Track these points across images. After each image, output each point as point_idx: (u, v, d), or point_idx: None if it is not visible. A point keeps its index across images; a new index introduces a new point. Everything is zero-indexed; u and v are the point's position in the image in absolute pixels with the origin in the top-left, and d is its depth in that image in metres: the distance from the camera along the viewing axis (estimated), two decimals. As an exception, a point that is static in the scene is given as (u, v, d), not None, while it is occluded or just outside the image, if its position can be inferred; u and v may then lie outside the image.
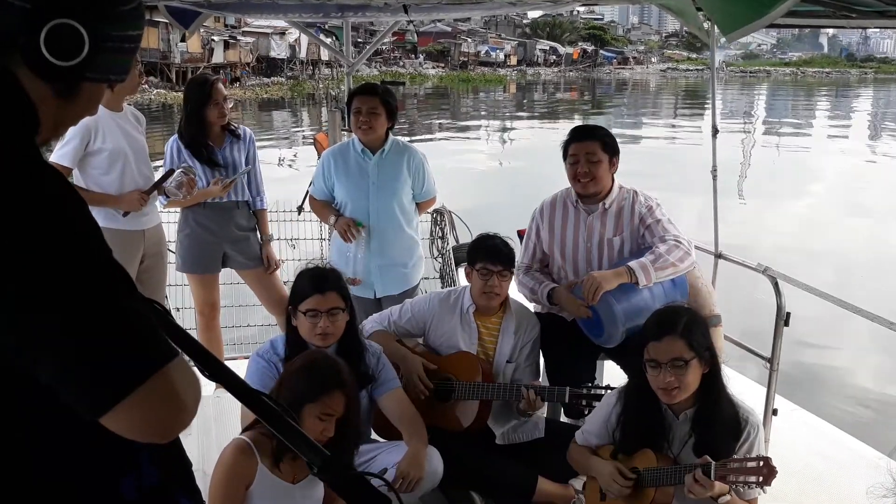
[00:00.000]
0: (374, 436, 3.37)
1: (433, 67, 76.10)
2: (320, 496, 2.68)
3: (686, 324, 2.59)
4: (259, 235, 4.39)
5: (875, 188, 19.92)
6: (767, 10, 2.62)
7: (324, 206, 4.16)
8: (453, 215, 5.41)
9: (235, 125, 4.29)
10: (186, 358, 1.21)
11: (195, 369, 1.24)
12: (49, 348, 1.04)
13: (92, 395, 1.06)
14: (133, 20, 1.19)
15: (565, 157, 3.60)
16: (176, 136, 4.15)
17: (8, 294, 1.01)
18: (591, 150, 3.49)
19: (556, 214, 3.65)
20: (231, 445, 2.56)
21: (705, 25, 3.46)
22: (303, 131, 29.91)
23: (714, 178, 4.18)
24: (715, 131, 4.16)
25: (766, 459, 2.44)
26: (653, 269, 3.27)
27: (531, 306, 3.80)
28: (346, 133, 4.48)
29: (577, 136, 3.57)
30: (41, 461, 1.14)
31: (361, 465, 3.09)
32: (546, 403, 3.39)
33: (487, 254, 3.38)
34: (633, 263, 3.29)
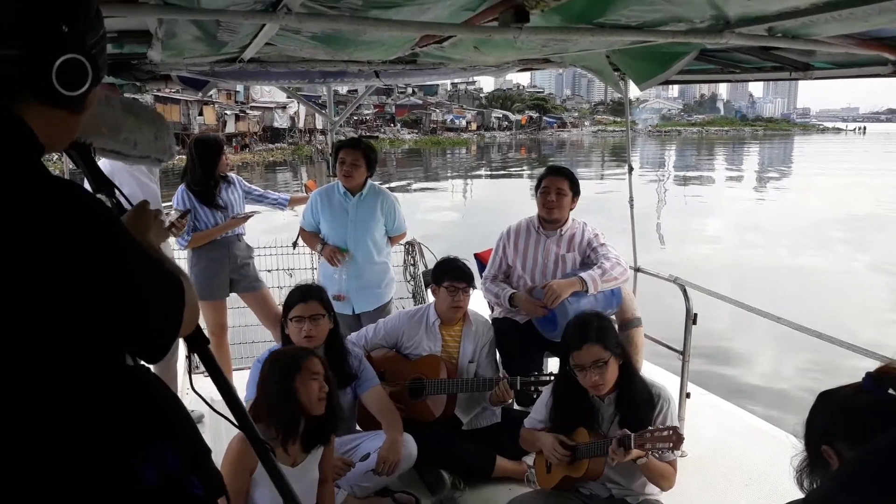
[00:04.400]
0: (357, 428, 3.32)
1: (409, 133, 76.64)
2: (315, 477, 2.62)
3: (598, 329, 2.59)
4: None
5: (763, 219, 20.47)
6: (669, 65, 2.68)
7: (312, 236, 4.12)
8: (422, 246, 5.40)
9: (225, 173, 4.26)
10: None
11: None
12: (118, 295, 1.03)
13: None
14: (100, 21, 1.11)
15: (538, 187, 3.68)
16: (184, 186, 4.10)
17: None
18: (560, 185, 3.60)
19: (521, 236, 3.71)
20: (237, 438, 2.48)
21: (621, 84, 3.51)
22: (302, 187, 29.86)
23: (631, 206, 4.22)
24: (630, 169, 4.22)
25: (675, 428, 2.44)
26: (600, 281, 3.38)
27: (487, 313, 3.80)
28: (330, 178, 4.45)
29: (552, 172, 3.67)
30: (62, 448, 1.04)
31: (347, 452, 3.04)
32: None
33: (454, 274, 3.40)
34: (584, 275, 3.38)
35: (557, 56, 3.17)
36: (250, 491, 2.46)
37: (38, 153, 1.06)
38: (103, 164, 3.63)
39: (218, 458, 2.55)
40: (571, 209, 3.67)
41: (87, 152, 1.47)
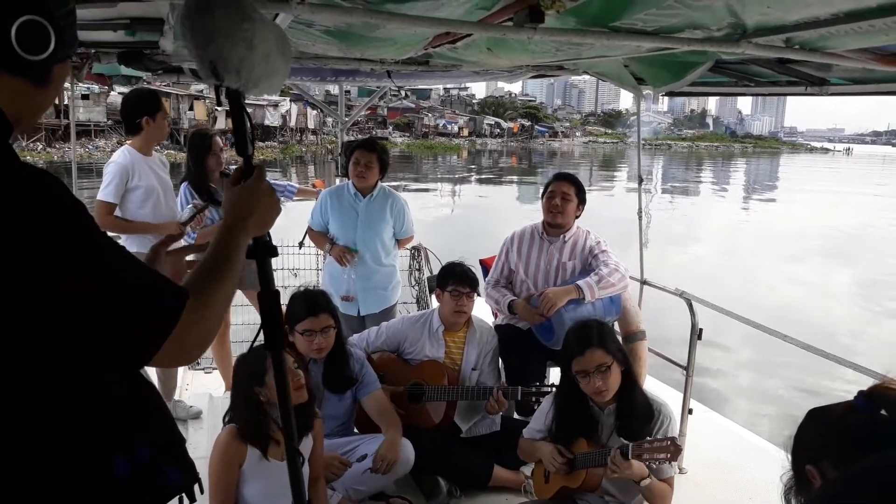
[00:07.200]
0: (355, 431, 3.26)
1: (400, 136, 76.52)
2: (305, 472, 2.56)
3: (599, 334, 2.59)
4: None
5: (747, 234, 20.91)
6: (683, 75, 2.67)
7: (320, 236, 4.10)
8: (428, 251, 5.36)
9: (229, 170, 4.18)
10: None
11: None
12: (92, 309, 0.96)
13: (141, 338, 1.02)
14: None
15: (545, 192, 3.69)
16: (186, 182, 4.04)
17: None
18: (566, 191, 3.60)
19: (525, 241, 3.71)
20: (224, 432, 2.47)
21: (643, 90, 3.49)
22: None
23: (640, 217, 4.19)
24: (640, 180, 4.21)
25: (673, 439, 2.42)
26: (597, 288, 3.35)
27: (490, 320, 3.77)
28: (339, 178, 4.41)
29: (559, 177, 3.69)
30: (35, 443, 1.02)
31: (345, 454, 2.99)
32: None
33: (458, 279, 3.37)
34: (580, 283, 3.36)
35: (571, 62, 3.15)
36: (239, 484, 2.43)
37: (6, 133, 1.00)
38: (123, 153, 3.61)
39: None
40: (577, 216, 3.66)
41: (242, 104, 1.36)
